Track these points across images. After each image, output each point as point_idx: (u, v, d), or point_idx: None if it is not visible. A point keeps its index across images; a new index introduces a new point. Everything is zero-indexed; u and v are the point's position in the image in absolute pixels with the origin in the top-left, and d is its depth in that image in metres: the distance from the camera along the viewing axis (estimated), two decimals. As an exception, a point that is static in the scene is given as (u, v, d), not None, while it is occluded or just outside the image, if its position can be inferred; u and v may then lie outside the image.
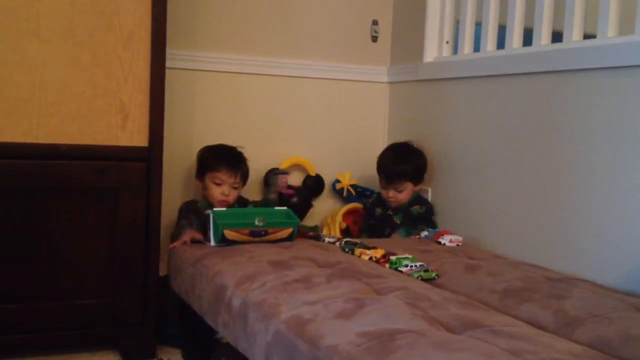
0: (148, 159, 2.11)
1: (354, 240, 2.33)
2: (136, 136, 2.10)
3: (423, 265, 1.96)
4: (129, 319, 2.13)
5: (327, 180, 2.93)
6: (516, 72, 2.29)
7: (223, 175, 2.46)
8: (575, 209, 2.05)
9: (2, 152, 1.96)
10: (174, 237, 2.36)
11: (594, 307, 1.59)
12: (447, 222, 2.63)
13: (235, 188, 2.48)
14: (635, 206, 1.87)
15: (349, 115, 3.01)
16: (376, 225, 2.73)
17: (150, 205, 2.12)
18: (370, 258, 2.06)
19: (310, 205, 2.85)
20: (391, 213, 2.71)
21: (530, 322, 1.55)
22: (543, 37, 2.23)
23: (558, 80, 2.12)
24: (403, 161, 2.68)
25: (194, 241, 2.24)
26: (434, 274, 1.92)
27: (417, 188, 2.70)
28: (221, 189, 2.45)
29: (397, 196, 2.66)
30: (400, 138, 2.83)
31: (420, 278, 1.89)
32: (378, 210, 2.76)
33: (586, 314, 1.55)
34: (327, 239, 2.39)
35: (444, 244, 2.33)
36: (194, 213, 2.41)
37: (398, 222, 2.67)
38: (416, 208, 2.67)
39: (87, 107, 2.04)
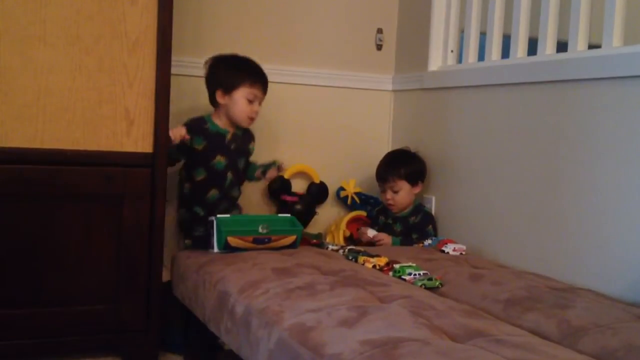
0: (153, 165, 2.12)
1: (358, 247, 2.33)
2: (141, 142, 2.11)
3: (427, 273, 1.96)
4: (132, 325, 2.13)
5: (331, 188, 2.93)
6: (521, 82, 2.29)
7: (259, 92, 2.38)
8: (579, 219, 2.05)
9: (7, 158, 1.96)
10: None
11: (598, 317, 1.59)
12: (451, 231, 2.62)
13: (260, 104, 2.42)
14: (639, 216, 1.86)
15: (354, 123, 3.02)
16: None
17: (154, 212, 2.12)
18: (374, 266, 2.06)
19: (314, 213, 2.85)
20: (391, 222, 2.71)
21: (534, 332, 1.55)
22: (548, 46, 2.23)
23: (562, 89, 2.12)
24: (396, 163, 2.71)
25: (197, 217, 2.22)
26: (437, 283, 1.92)
27: (416, 191, 2.70)
28: (252, 106, 2.37)
29: (394, 198, 2.67)
30: (405, 146, 2.83)
31: (423, 286, 1.88)
32: (382, 219, 2.76)
33: (590, 324, 1.54)
34: (330, 247, 2.38)
35: (448, 252, 2.33)
36: (196, 134, 2.34)
37: (398, 231, 2.67)
38: (412, 219, 2.67)
39: (92, 113, 2.05)
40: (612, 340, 1.45)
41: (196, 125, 2.38)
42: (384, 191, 2.71)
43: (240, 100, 2.37)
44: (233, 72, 2.39)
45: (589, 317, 1.59)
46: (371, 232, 2.63)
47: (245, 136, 2.51)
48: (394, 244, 2.60)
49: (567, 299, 1.73)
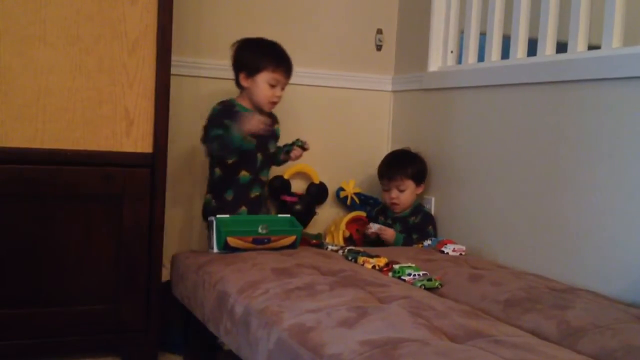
0: (152, 165, 2.12)
1: (357, 248, 2.32)
2: (140, 142, 2.11)
3: (426, 274, 1.96)
4: (132, 325, 2.13)
5: (331, 188, 2.93)
6: (520, 82, 2.29)
7: (281, 77, 2.38)
8: (579, 220, 2.05)
9: (7, 157, 1.97)
10: (212, 147, 2.31)
11: (598, 317, 1.59)
12: (450, 231, 2.62)
13: (282, 89, 2.43)
14: (639, 217, 1.87)
15: (353, 123, 3.02)
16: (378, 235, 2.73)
17: (153, 212, 2.12)
18: (374, 266, 2.06)
19: (313, 213, 2.85)
20: (390, 222, 2.71)
21: (534, 332, 1.55)
22: (547, 47, 2.23)
23: (562, 90, 2.12)
24: (403, 162, 2.72)
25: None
26: (437, 283, 1.92)
27: (419, 191, 2.71)
28: (274, 90, 2.38)
29: (399, 197, 2.67)
30: (404, 146, 2.84)
31: (423, 287, 1.88)
32: (381, 220, 2.76)
33: (589, 325, 1.54)
34: (330, 247, 2.38)
35: (447, 253, 2.33)
36: (229, 117, 2.33)
37: (398, 231, 2.67)
38: (412, 219, 2.67)
39: (91, 113, 2.05)
40: (611, 341, 1.45)
41: (227, 107, 2.39)
42: (387, 190, 2.71)
43: (262, 84, 2.37)
44: (257, 55, 2.39)
45: (589, 318, 1.59)
46: (375, 226, 2.63)
47: (270, 118, 2.50)
48: (397, 240, 2.60)
49: (566, 299, 1.73)
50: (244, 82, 2.40)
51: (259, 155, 2.44)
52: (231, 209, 2.38)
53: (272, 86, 2.38)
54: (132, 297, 2.12)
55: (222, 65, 2.72)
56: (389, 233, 2.61)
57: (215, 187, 2.43)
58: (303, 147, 2.53)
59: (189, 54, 2.65)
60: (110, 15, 2.04)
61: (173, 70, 2.15)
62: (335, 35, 2.96)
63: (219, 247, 2.14)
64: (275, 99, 2.40)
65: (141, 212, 2.11)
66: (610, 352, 1.42)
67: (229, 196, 2.41)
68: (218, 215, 2.18)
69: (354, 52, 3.00)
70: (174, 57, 2.14)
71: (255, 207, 2.45)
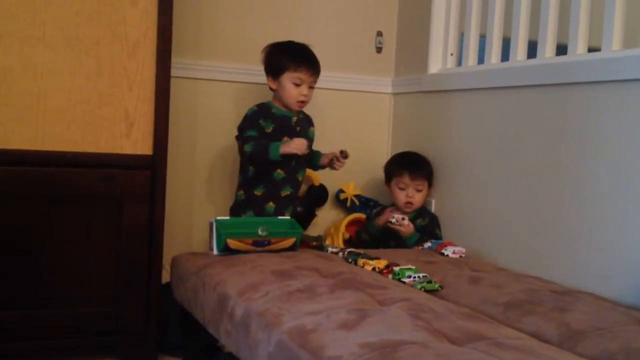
0: (152, 167, 2.12)
1: (357, 250, 2.32)
2: (140, 144, 2.11)
3: (426, 276, 1.96)
4: (131, 327, 2.13)
5: (331, 190, 2.93)
6: (520, 85, 2.29)
7: (304, 75, 2.43)
8: (580, 222, 2.05)
9: (7, 159, 1.96)
10: (247, 148, 2.36)
11: (598, 320, 1.59)
12: (451, 234, 2.62)
13: (311, 88, 2.47)
14: (639, 220, 1.86)
15: (353, 125, 3.02)
16: (380, 238, 2.72)
17: (153, 213, 2.12)
18: (374, 269, 2.06)
19: (313, 215, 2.85)
20: None
21: (534, 335, 1.55)
22: (547, 49, 2.24)
23: (562, 92, 2.13)
24: (421, 161, 2.73)
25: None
26: (437, 285, 1.92)
27: (428, 193, 2.71)
28: (300, 89, 2.43)
29: (415, 197, 2.66)
30: (404, 149, 2.84)
31: (423, 289, 1.88)
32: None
33: (590, 327, 1.54)
34: (330, 249, 2.38)
35: (447, 255, 2.33)
36: (265, 117, 2.41)
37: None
38: (419, 221, 2.67)
39: (91, 115, 2.05)
40: (611, 344, 1.45)
41: (264, 110, 2.45)
42: (404, 189, 2.68)
43: (287, 84, 2.43)
44: (279, 57, 2.46)
45: (589, 321, 1.59)
46: (396, 216, 2.60)
47: (306, 120, 2.57)
48: (412, 236, 2.59)
49: (566, 302, 1.73)
50: (272, 85, 2.47)
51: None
52: (259, 204, 2.43)
53: (297, 85, 2.43)
54: (132, 299, 2.12)
55: (222, 67, 2.73)
56: (410, 227, 2.60)
57: (248, 183, 2.46)
58: (343, 154, 2.53)
59: (189, 56, 2.65)
60: (110, 17, 2.04)
61: (173, 72, 2.15)
62: (335, 38, 2.96)
63: (219, 249, 2.14)
64: (302, 98, 2.45)
65: (141, 214, 2.11)
66: (610, 354, 1.41)
67: (259, 192, 2.44)
68: (218, 217, 2.18)
69: (354, 55, 3.00)
70: (174, 59, 2.14)
71: (283, 205, 2.48)
